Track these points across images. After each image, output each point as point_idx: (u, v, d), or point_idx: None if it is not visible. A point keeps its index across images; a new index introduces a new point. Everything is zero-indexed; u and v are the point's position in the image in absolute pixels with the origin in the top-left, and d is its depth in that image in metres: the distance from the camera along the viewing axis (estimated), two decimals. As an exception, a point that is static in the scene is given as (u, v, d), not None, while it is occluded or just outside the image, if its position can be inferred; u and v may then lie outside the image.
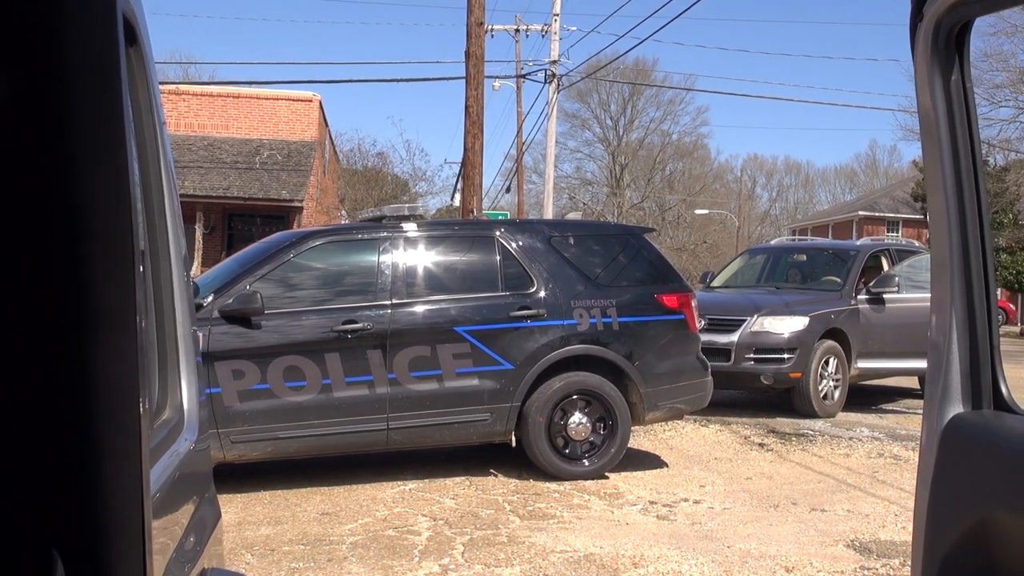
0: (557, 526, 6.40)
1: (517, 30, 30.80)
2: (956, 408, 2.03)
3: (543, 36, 28.79)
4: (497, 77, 33.02)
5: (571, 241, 8.09)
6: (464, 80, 16.85)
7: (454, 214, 34.24)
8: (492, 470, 8.05)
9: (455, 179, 36.75)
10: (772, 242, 16.53)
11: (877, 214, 54.83)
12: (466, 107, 16.69)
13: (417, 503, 6.97)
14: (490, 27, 28.30)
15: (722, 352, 11.14)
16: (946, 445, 2.00)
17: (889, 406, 12.90)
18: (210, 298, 7.07)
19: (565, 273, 7.88)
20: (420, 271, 7.65)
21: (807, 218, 68.13)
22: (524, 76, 30.01)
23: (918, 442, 2.20)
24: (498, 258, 7.83)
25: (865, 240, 14.92)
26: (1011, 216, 39.83)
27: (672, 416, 8.43)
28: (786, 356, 11.19)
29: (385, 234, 7.71)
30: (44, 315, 0.93)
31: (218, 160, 26.46)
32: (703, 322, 10.11)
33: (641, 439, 9.56)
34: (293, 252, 7.48)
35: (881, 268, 12.93)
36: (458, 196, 25.38)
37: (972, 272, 2.00)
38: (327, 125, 32.22)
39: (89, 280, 0.96)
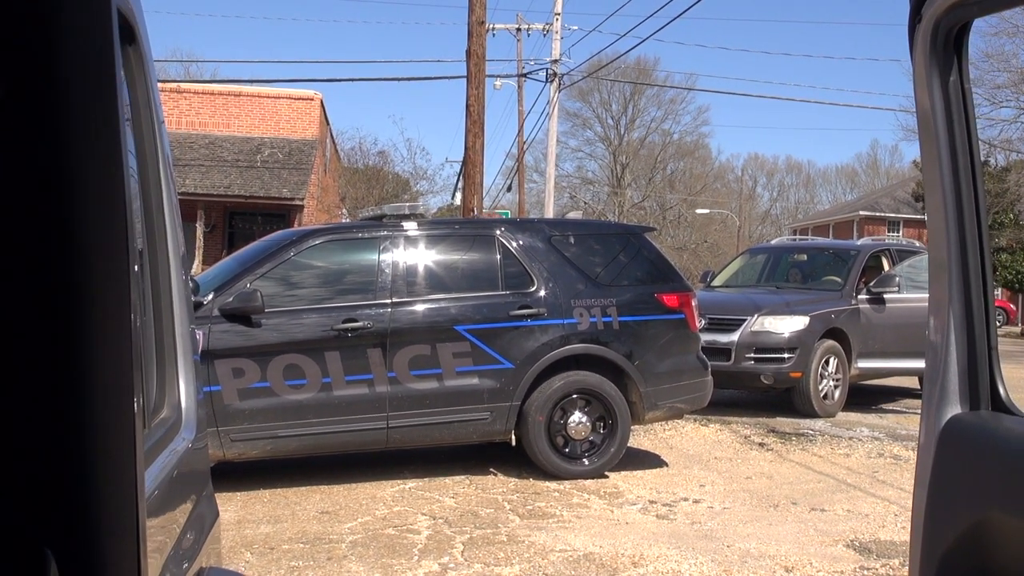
0: (557, 525, 6.40)
1: (518, 29, 30.79)
2: (954, 409, 2.03)
3: (544, 35, 28.80)
4: (498, 76, 33.01)
5: (571, 240, 8.09)
6: (465, 79, 16.85)
7: (455, 213, 34.24)
8: (492, 469, 8.05)
9: (456, 178, 36.73)
10: (773, 242, 16.52)
11: (878, 214, 54.80)
12: (467, 106, 16.69)
13: (417, 502, 6.98)
14: (491, 26, 28.30)
15: (722, 351, 11.14)
16: (944, 446, 2.00)
17: (889, 406, 12.90)
18: (210, 296, 7.08)
19: (565, 272, 7.88)
20: (420, 270, 7.65)
21: (808, 218, 68.09)
22: (525, 75, 30.03)
23: (917, 443, 2.20)
24: (498, 257, 7.83)
25: (866, 240, 14.92)
26: (1012, 216, 39.81)
27: (672, 415, 8.43)
28: (786, 356, 11.19)
29: (385, 233, 7.71)
30: (37, 314, 0.93)
31: (219, 158, 26.46)
32: (703, 321, 10.11)
33: (641, 438, 9.56)
34: (293, 250, 7.48)
35: (882, 268, 12.92)
36: (459, 195, 25.39)
37: (970, 272, 2.00)
38: (328, 123, 32.22)
39: (83, 279, 0.96)
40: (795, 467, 8.59)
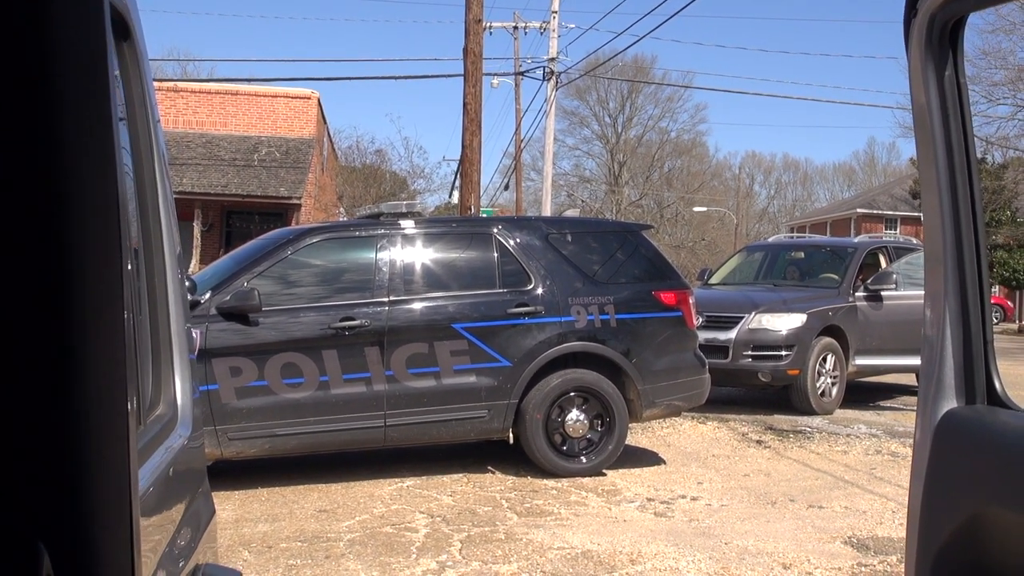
0: (555, 523, 6.40)
1: (516, 27, 30.79)
2: (950, 403, 2.03)
3: (542, 33, 28.77)
4: (496, 74, 33.05)
5: (569, 238, 8.09)
6: (462, 77, 16.84)
7: (452, 211, 34.23)
8: (490, 467, 8.05)
9: (453, 176, 36.73)
10: (770, 239, 16.53)
11: (875, 211, 54.82)
12: (464, 104, 16.68)
13: (415, 500, 6.98)
14: (488, 24, 28.28)
15: (720, 349, 11.15)
16: (940, 440, 2.00)
17: (887, 403, 12.91)
18: (208, 295, 7.07)
19: (563, 270, 7.88)
20: (418, 268, 7.65)
21: (805, 215, 68.12)
22: (522, 73, 30.04)
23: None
24: (496, 255, 7.83)
25: (863, 237, 14.94)
26: (1009, 214, 39.85)
27: (670, 413, 8.43)
28: (784, 353, 11.19)
29: (383, 231, 7.71)
30: (30, 312, 0.93)
31: (216, 157, 26.45)
32: (701, 319, 10.11)
33: (639, 436, 9.57)
34: (291, 249, 7.48)
35: (879, 265, 12.94)
36: (456, 193, 25.38)
37: (966, 267, 2.00)
38: (325, 122, 32.21)
39: (75, 277, 0.96)
40: (793, 464, 8.59)
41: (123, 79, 1.65)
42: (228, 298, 7.04)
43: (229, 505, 6.71)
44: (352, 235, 7.80)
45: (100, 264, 0.98)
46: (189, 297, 6.29)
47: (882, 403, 12.85)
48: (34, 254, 0.93)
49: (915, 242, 14.78)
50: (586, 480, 7.65)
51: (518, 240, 7.90)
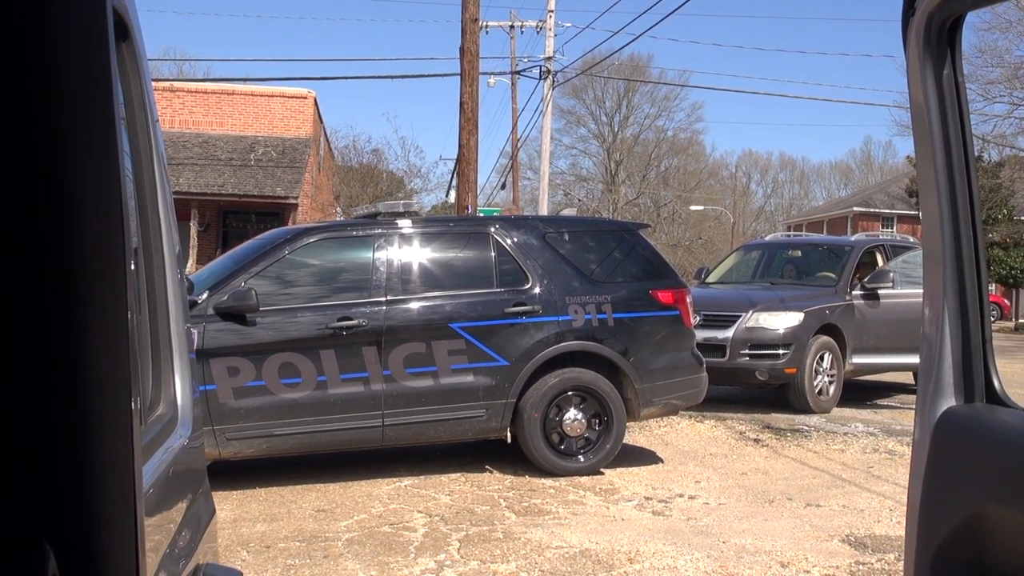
0: (553, 522, 6.40)
1: (512, 26, 30.77)
2: (949, 401, 2.03)
3: (538, 32, 28.76)
4: (492, 74, 33.03)
5: (566, 237, 8.09)
6: (459, 76, 16.84)
7: (449, 211, 34.20)
8: (488, 466, 8.05)
9: (450, 176, 36.72)
10: (767, 238, 16.54)
11: (872, 210, 54.84)
12: (461, 103, 16.68)
13: (413, 499, 6.98)
14: (485, 23, 28.29)
15: (717, 348, 11.16)
16: (939, 438, 2.00)
17: (884, 401, 12.93)
18: (205, 295, 7.07)
19: (560, 269, 7.88)
20: (415, 267, 7.65)
21: (802, 214, 68.14)
22: (519, 72, 30.01)
23: (912, 437, 2.20)
24: (493, 254, 7.83)
25: (860, 236, 14.96)
26: (1005, 212, 39.90)
27: (667, 412, 8.43)
28: (781, 352, 11.20)
29: (380, 231, 7.71)
30: (34, 312, 0.93)
31: (213, 157, 26.43)
32: (698, 318, 10.12)
33: (636, 435, 9.57)
34: (288, 249, 7.48)
35: (876, 264, 12.95)
36: (453, 193, 25.37)
37: (964, 266, 2.01)
38: (322, 122, 32.19)
39: (80, 277, 0.96)
40: (790, 463, 8.60)
41: (122, 79, 1.65)
42: (225, 298, 7.03)
43: (227, 505, 6.71)
44: (349, 235, 7.79)
45: (104, 264, 0.99)
46: (187, 297, 6.30)
47: (879, 401, 12.87)
48: (39, 255, 0.93)
49: (912, 240, 14.81)
50: (584, 479, 7.65)
51: (515, 239, 7.90)
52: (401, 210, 8.01)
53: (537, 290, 7.76)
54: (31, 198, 0.93)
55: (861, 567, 5.55)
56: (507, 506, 6.81)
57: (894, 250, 13.23)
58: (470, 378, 7.50)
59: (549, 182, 30.11)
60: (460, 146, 17.13)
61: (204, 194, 24.66)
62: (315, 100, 29.06)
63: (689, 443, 9.52)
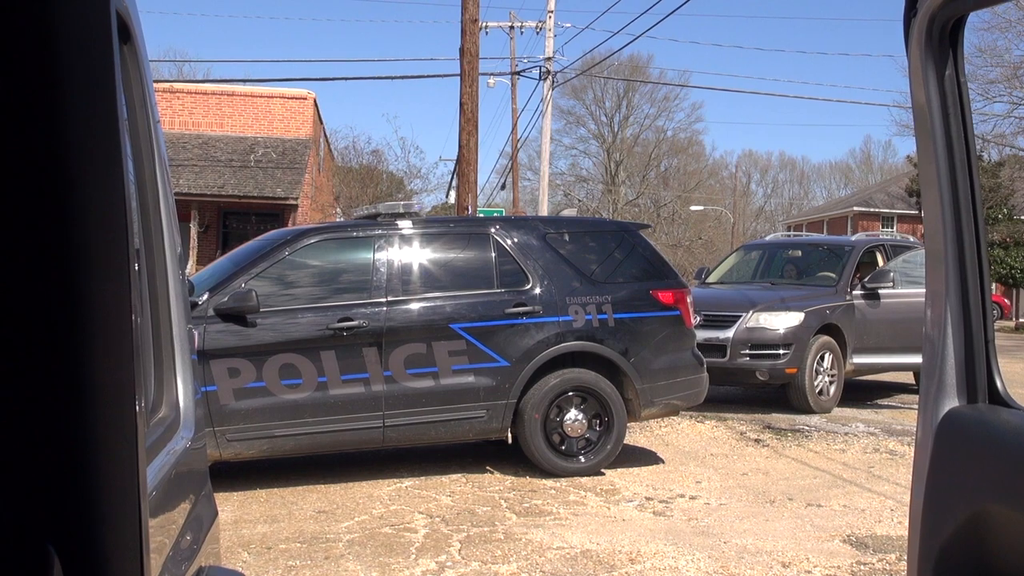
0: (553, 523, 6.40)
1: (512, 27, 30.77)
2: (951, 402, 2.03)
3: (538, 33, 28.77)
4: (492, 74, 33.00)
5: (566, 238, 8.09)
6: (459, 77, 16.84)
7: (449, 211, 34.21)
8: (488, 467, 8.05)
9: (450, 176, 36.75)
10: (767, 238, 16.54)
11: (872, 210, 54.82)
12: (461, 104, 16.68)
13: (414, 500, 6.98)
14: (484, 24, 28.30)
15: (718, 348, 11.16)
16: (941, 439, 2.00)
17: (884, 401, 12.93)
18: (205, 296, 7.07)
19: (560, 270, 7.88)
20: (415, 268, 7.65)
21: (802, 214, 68.12)
22: (519, 73, 30.04)
23: (914, 437, 2.20)
24: (493, 255, 7.83)
25: (860, 236, 14.94)
26: (1006, 211, 39.88)
27: (668, 412, 8.43)
28: (781, 352, 11.21)
29: (380, 231, 7.71)
30: (40, 314, 0.93)
31: (213, 158, 26.43)
32: (699, 318, 10.11)
33: (637, 435, 9.57)
34: (288, 250, 7.48)
35: (876, 264, 12.95)
36: (453, 193, 25.38)
37: (966, 265, 2.01)
38: (322, 123, 32.20)
39: (84, 279, 0.96)
40: (791, 463, 8.60)
41: (124, 81, 1.65)
42: (226, 299, 7.03)
43: (228, 506, 6.71)
44: (350, 235, 7.79)
45: (107, 265, 0.99)
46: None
47: (880, 401, 12.87)
48: (43, 256, 0.93)
49: (912, 240, 14.81)
50: (585, 480, 7.65)
51: (516, 240, 7.90)
52: (401, 211, 8.00)
53: (538, 291, 7.76)
54: (36, 200, 0.93)
55: (863, 567, 5.55)
56: (508, 507, 6.81)
57: (894, 250, 13.23)
58: (471, 379, 7.50)
59: (549, 182, 30.12)
60: (460, 147, 17.13)
61: (204, 195, 24.68)
62: (315, 101, 29.08)
63: (690, 443, 9.52)
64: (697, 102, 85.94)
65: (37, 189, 0.93)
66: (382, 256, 7.59)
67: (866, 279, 12.16)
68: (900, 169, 62.40)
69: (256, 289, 7.10)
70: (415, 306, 7.51)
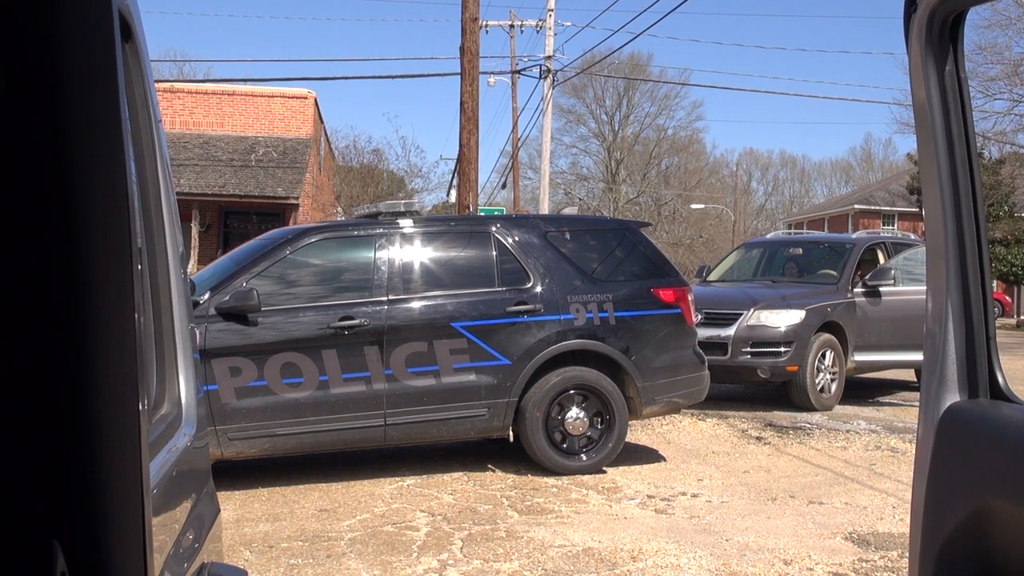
0: (555, 521, 6.40)
1: (512, 26, 30.78)
2: (953, 397, 2.03)
3: (538, 31, 28.77)
4: (492, 73, 33.04)
5: (567, 236, 8.09)
6: (459, 76, 16.84)
7: (450, 210, 34.21)
8: (490, 465, 8.05)
9: (451, 175, 36.74)
10: (768, 236, 16.55)
11: (873, 207, 54.78)
12: (461, 103, 16.68)
13: (415, 499, 6.98)
14: (485, 23, 28.29)
15: (719, 346, 11.16)
16: (943, 434, 2.01)
17: (886, 399, 12.92)
18: (207, 295, 7.07)
19: (561, 268, 7.89)
20: (416, 267, 7.65)
21: (803, 212, 68.09)
22: (519, 72, 30.05)
23: (915, 434, 2.21)
24: (494, 254, 7.83)
25: (861, 233, 14.93)
26: (1006, 208, 39.85)
27: (669, 410, 8.43)
28: (783, 349, 11.21)
29: (381, 230, 7.71)
30: (44, 312, 0.94)
31: (213, 158, 26.44)
32: (700, 316, 10.12)
33: (638, 433, 9.57)
34: (289, 249, 7.48)
35: (877, 261, 12.95)
36: (454, 192, 25.37)
37: (967, 262, 2.01)
38: (322, 122, 32.20)
39: (87, 278, 0.96)
40: (793, 460, 8.60)
41: (126, 80, 1.65)
42: (227, 298, 7.04)
43: (230, 505, 6.71)
44: (351, 234, 7.80)
45: (110, 265, 0.99)
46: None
47: (881, 399, 12.86)
48: (46, 255, 0.94)
49: (913, 237, 14.81)
50: (586, 478, 7.66)
51: (517, 238, 7.91)
52: (402, 210, 8.01)
53: (539, 289, 7.76)
54: (38, 199, 0.94)
55: (864, 564, 5.55)
56: (510, 505, 6.82)
57: (895, 247, 13.23)
58: (472, 377, 7.51)
59: (550, 181, 30.12)
60: (460, 145, 17.12)
61: (205, 194, 24.68)
62: (315, 100, 29.07)
63: (691, 441, 9.52)
64: (697, 100, 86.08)
65: (40, 188, 0.94)
66: (383, 255, 7.60)
67: (867, 277, 12.16)
68: (901, 167, 62.36)
69: (257, 288, 7.10)
70: (416, 305, 7.51)
